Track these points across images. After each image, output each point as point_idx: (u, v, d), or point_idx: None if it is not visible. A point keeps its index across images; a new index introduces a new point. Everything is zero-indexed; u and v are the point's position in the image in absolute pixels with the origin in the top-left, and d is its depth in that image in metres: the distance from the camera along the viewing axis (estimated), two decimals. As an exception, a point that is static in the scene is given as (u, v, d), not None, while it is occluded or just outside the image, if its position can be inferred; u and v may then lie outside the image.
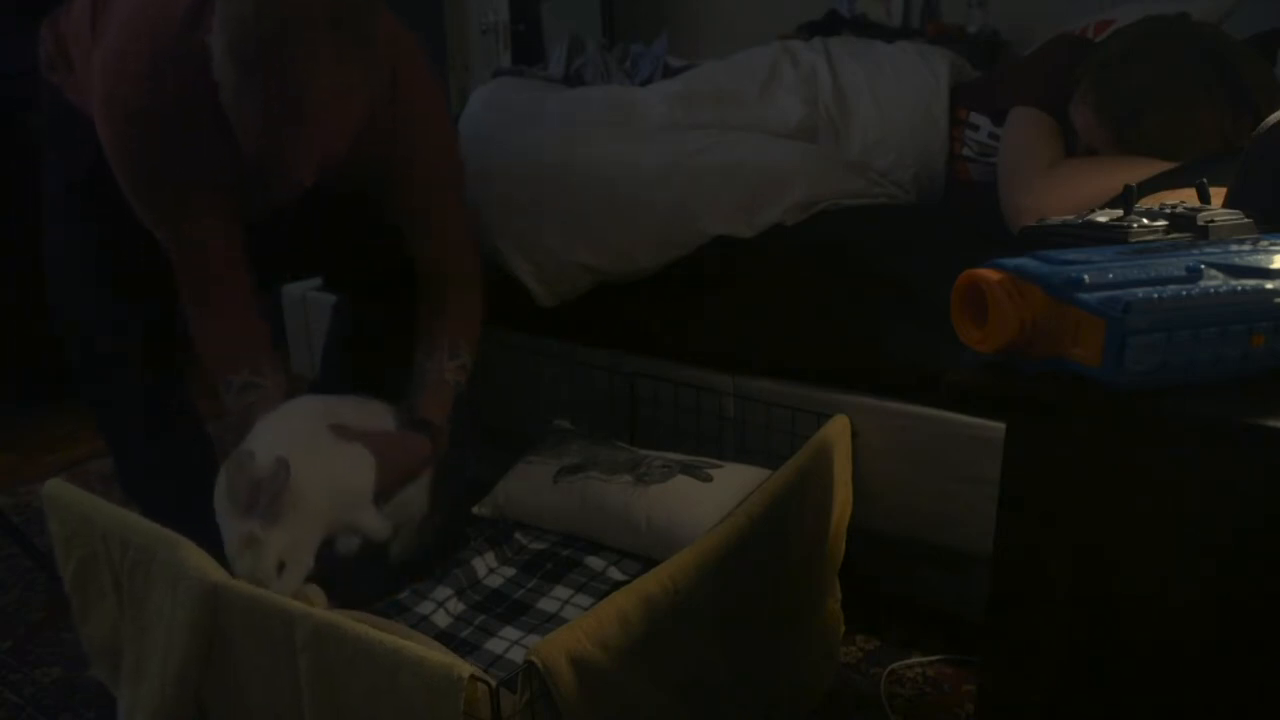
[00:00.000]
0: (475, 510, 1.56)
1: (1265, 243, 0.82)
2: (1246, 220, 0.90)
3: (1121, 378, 0.71)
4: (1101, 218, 0.91)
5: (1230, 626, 0.76)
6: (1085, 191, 1.47)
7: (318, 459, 1.24)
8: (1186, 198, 1.04)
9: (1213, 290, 0.73)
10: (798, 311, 1.58)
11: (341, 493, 1.28)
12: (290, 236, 1.57)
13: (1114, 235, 0.87)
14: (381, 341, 1.66)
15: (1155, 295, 0.71)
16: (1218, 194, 1.02)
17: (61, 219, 1.49)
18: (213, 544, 1.14)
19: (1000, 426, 0.82)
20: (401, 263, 1.51)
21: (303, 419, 1.31)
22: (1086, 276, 0.74)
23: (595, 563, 1.43)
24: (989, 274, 0.78)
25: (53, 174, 1.49)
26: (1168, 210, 0.91)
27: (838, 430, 1.40)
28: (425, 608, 1.35)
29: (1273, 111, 1.04)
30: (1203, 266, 0.75)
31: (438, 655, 0.92)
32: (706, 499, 1.40)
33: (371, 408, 1.42)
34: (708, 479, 1.44)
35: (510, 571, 1.44)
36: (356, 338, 1.75)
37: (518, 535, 1.51)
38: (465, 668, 0.89)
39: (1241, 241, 0.83)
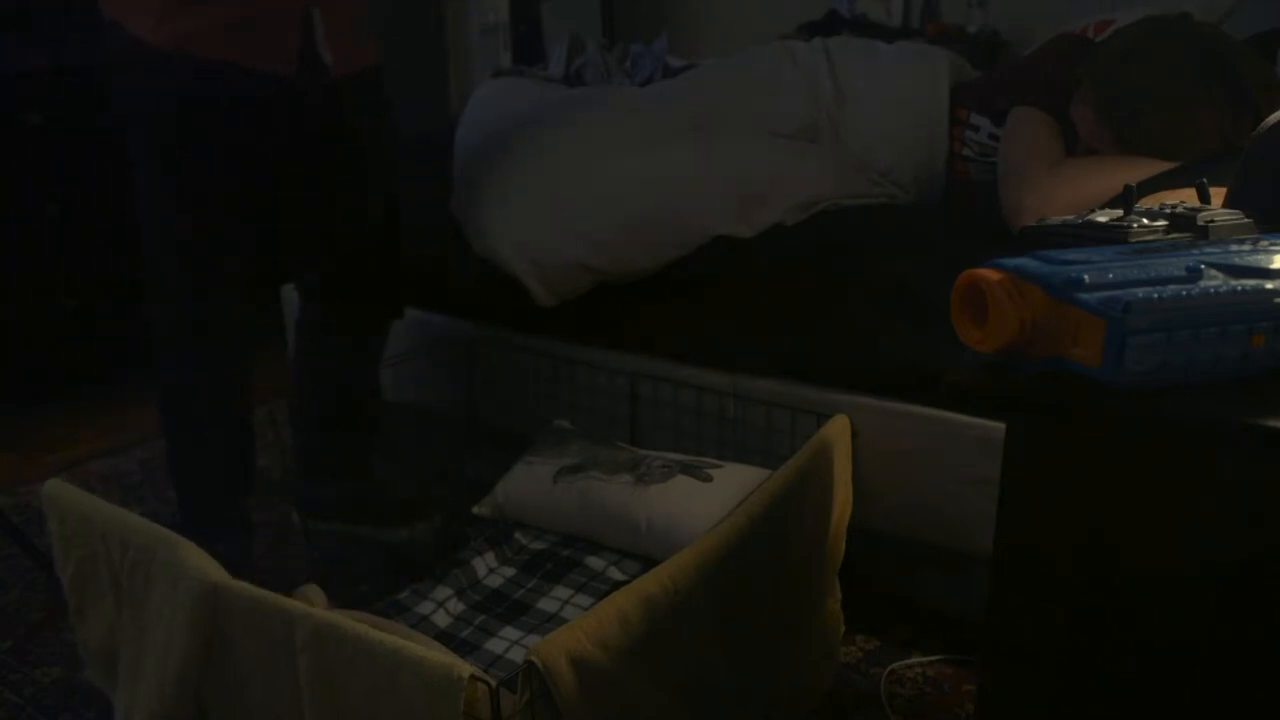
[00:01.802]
0: (475, 510, 1.56)
1: (1265, 243, 0.82)
2: (1246, 220, 0.89)
3: (1121, 378, 0.71)
4: (1101, 218, 0.91)
5: (1230, 626, 0.76)
6: (1086, 191, 1.47)
7: None
8: (1186, 198, 1.04)
9: (1213, 290, 0.73)
10: (798, 311, 1.58)
11: None
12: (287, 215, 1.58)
13: (1114, 235, 0.87)
14: (350, 341, 1.69)
15: (1155, 295, 0.71)
16: (1218, 194, 1.02)
17: (151, 168, 1.48)
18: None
19: (1000, 426, 0.82)
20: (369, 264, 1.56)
21: None
22: (1086, 276, 0.74)
23: (595, 563, 1.43)
24: (989, 274, 0.78)
25: (134, 128, 1.48)
26: (1168, 210, 0.91)
27: (838, 430, 1.40)
28: (425, 608, 1.35)
29: (1273, 111, 1.04)
30: (1203, 266, 0.75)
31: (438, 655, 0.92)
32: (706, 499, 1.40)
33: None
34: (708, 479, 1.44)
35: (510, 571, 1.44)
36: (328, 339, 1.74)
37: (518, 535, 1.51)
38: (465, 668, 0.89)
39: (1241, 241, 0.83)
